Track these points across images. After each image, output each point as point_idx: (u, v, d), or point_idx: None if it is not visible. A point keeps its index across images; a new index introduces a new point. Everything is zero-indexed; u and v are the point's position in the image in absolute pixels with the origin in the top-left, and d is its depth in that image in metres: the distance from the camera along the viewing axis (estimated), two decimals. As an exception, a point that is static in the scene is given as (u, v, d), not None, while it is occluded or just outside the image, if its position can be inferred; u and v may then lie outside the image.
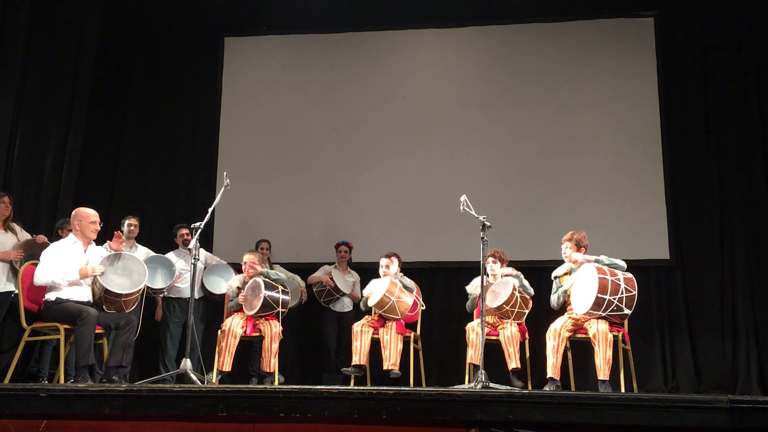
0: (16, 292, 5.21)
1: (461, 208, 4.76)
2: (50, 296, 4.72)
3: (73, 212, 4.95)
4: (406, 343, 5.46)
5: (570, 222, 6.10)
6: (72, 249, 4.83)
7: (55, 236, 5.67)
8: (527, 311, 5.35)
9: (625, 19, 7.04)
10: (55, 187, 6.60)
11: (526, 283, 5.38)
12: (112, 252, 4.85)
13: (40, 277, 4.69)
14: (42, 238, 5.48)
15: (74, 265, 4.74)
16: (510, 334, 5.18)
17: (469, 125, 7.11)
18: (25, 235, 5.51)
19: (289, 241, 7.01)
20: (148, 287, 5.66)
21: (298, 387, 2.98)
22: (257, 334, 5.41)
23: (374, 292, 5.44)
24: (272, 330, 5.32)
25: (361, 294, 5.89)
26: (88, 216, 4.89)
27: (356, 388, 3.77)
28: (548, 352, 4.94)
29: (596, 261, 4.97)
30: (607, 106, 6.92)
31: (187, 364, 4.64)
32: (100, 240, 5.06)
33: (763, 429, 2.58)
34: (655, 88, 6.83)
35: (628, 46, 6.98)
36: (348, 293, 6.38)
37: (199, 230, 4.86)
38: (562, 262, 5.29)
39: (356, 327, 5.43)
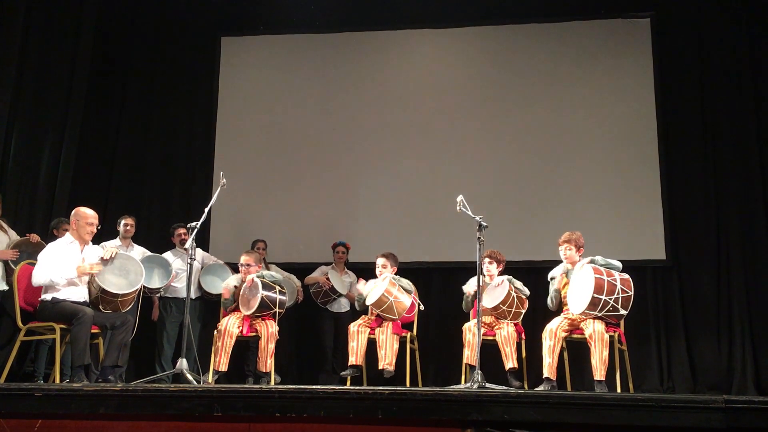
0: (5, 289, 5.21)
1: (458, 208, 4.76)
2: (46, 296, 4.71)
3: (74, 211, 4.93)
4: (402, 343, 5.46)
5: (566, 222, 6.11)
6: (69, 249, 4.83)
7: (50, 236, 5.66)
8: (524, 311, 5.35)
9: (622, 20, 7.05)
10: (51, 186, 6.59)
11: (518, 284, 5.38)
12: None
13: (38, 277, 4.68)
14: (36, 237, 5.47)
15: (71, 264, 4.73)
16: (506, 334, 5.18)
17: (465, 125, 7.11)
18: (12, 233, 5.50)
19: (285, 241, 7.01)
20: (144, 287, 5.65)
21: (293, 387, 2.98)
22: (253, 334, 5.40)
23: (372, 290, 5.44)
24: (268, 330, 5.32)
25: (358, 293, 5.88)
26: (86, 216, 4.88)
27: (352, 388, 3.77)
28: (544, 353, 4.94)
29: (591, 261, 4.98)
30: (603, 107, 6.93)
31: (183, 363, 4.64)
32: (95, 240, 5.05)
33: (758, 429, 2.59)
34: (652, 88, 6.84)
35: (624, 47, 6.98)
36: (345, 294, 6.38)
37: (196, 230, 4.85)
38: (558, 262, 5.30)
39: (353, 327, 5.42)
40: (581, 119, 6.94)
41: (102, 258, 4.80)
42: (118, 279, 4.80)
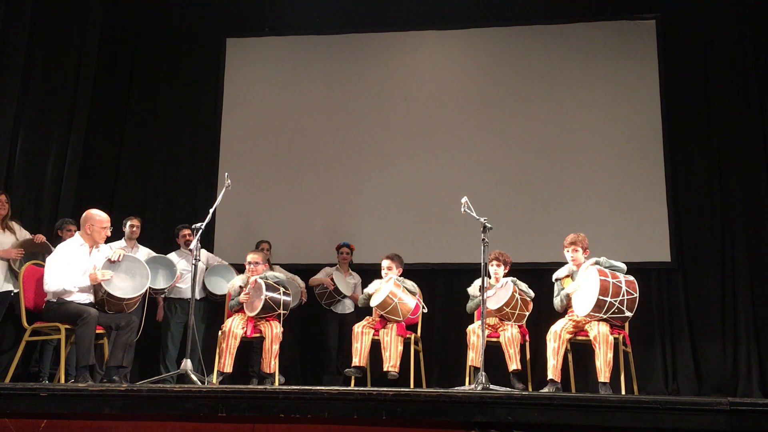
0: (15, 291, 5.21)
1: (462, 209, 4.76)
2: (52, 297, 4.71)
3: (85, 214, 4.89)
4: (406, 344, 5.46)
5: (571, 224, 6.09)
6: (78, 252, 4.81)
7: (55, 237, 5.67)
8: (528, 313, 5.35)
9: (627, 21, 7.04)
10: (57, 187, 6.61)
11: (523, 286, 5.37)
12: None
13: (51, 284, 4.65)
14: (40, 237, 5.47)
15: (83, 269, 4.73)
16: (510, 335, 5.18)
17: (470, 127, 7.11)
18: (24, 234, 5.49)
19: (290, 242, 7.02)
20: (149, 288, 5.66)
21: (297, 387, 2.98)
22: (258, 335, 5.41)
23: (377, 292, 5.44)
24: (273, 331, 5.32)
25: (362, 292, 5.88)
26: (101, 221, 4.85)
27: (356, 389, 3.77)
28: (548, 354, 4.93)
29: (596, 263, 4.97)
30: (608, 109, 6.92)
31: (187, 364, 4.64)
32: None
33: (763, 431, 2.58)
34: (657, 90, 6.83)
35: (630, 48, 6.98)
36: (349, 295, 6.38)
37: (201, 231, 4.86)
38: (562, 264, 5.29)
39: (357, 328, 5.43)
40: (586, 121, 6.93)
41: (109, 259, 4.80)
42: (124, 283, 4.80)
